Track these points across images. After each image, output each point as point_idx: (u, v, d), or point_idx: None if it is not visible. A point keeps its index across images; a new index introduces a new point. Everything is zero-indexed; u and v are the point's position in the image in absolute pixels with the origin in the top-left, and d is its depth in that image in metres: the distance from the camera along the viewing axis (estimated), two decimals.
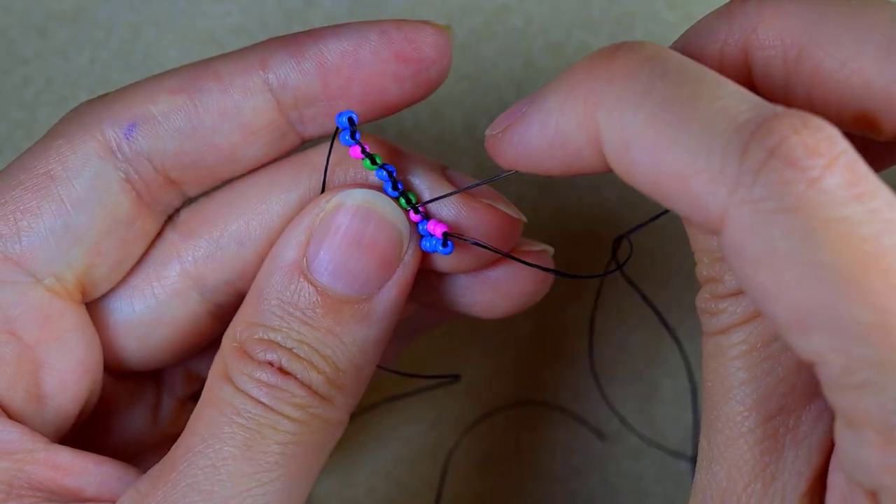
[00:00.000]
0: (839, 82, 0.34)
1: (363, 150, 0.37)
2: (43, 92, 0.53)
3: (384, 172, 0.37)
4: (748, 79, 0.35)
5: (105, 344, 0.40)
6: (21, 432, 0.37)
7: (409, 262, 0.37)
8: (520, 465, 0.54)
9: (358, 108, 0.38)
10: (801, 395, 0.33)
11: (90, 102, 0.38)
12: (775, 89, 0.35)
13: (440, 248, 0.37)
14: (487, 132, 0.35)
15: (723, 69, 0.35)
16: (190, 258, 0.39)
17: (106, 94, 0.38)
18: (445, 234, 0.37)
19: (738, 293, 0.33)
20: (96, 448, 0.40)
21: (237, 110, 0.37)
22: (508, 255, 0.38)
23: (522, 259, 0.39)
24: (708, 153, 0.28)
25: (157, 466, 0.35)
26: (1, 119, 0.53)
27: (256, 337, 0.35)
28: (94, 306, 0.40)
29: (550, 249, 0.41)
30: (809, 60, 0.34)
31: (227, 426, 0.35)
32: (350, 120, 0.36)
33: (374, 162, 0.37)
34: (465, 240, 0.37)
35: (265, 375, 0.35)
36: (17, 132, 0.53)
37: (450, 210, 0.37)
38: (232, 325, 0.37)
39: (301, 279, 0.35)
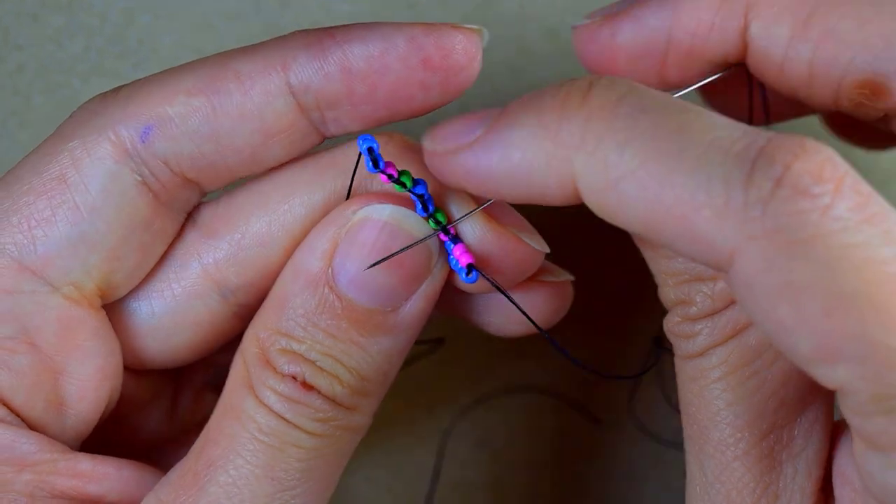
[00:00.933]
0: (853, 44, 0.33)
1: (390, 177, 0.36)
2: (37, 79, 0.53)
3: (415, 196, 0.36)
4: (742, 40, 0.35)
5: (125, 345, 0.39)
6: (41, 442, 0.36)
7: (438, 276, 0.36)
8: (515, 450, 0.54)
9: (382, 112, 0.37)
10: (791, 408, 0.33)
11: (103, 98, 0.37)
12: (772, 53, 0.35)
13: (464, 276, 0.36)
14: (427, 145, 0.34)
15: (713, 29, 0.35)
16: (211, 259, 0.38)
17: (119, 89, 0.37)
18: (470, 266, 0.36)
19: (714, 313, 0.33)
20: (115, 444, 0.40)
21: (258, 113, 0.36)
22: (525, 314, 0.38)
23: (532, 302, 0.39)
24: (708, 187, 0.28)
25: (179, 472, 0.35)
26: None
27: (279, 347, 0.35)
28: (114, 308, 0.39)
29: (571, 278, 0.40)
30: (822, 20, 0.33)
31: (249, 443, 0.34)
32: (370, 150, 0.35)
33: (404, 186, 0.36)
34: (486, 279, 0.36)
35: (287, 389, 0.35)
36: (12, 119, 0.53)
37: (474, 231, 0.36)
38: (253, 325, 0.36)
39: (326, 290, 0.35)
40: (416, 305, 0.36)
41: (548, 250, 0.38)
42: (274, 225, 0.38)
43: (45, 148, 0.37)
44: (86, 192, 0.36)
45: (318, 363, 0.35)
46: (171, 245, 0.39)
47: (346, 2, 0.54)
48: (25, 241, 0.36)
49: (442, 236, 0.36)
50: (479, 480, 0.54)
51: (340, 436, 0.35)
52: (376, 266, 0.35)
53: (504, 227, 0.37)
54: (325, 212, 0.37)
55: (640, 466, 0.54)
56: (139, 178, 0.37)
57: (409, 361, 0.51)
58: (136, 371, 0.41)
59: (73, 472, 0.36)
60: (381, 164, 0.36)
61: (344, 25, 0.37)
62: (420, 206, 0.36)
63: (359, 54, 0.36)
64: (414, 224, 0.36)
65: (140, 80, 0.38)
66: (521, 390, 0.54)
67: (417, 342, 0.46)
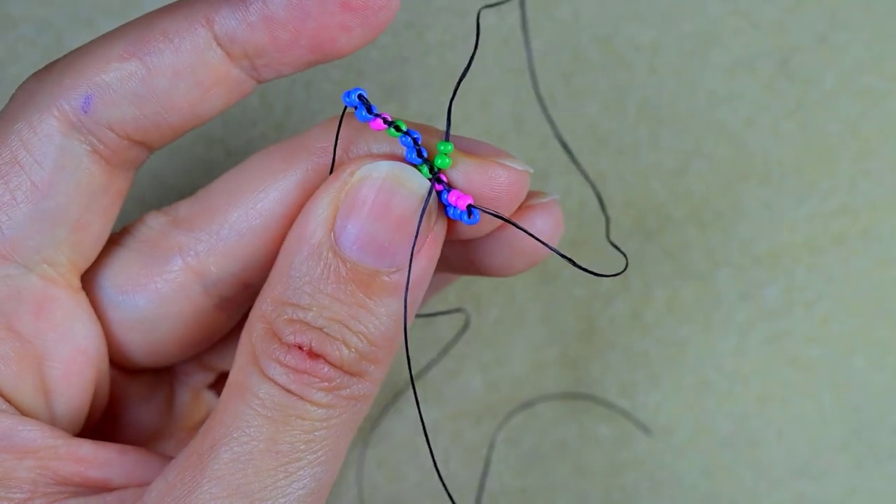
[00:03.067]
0: None
1: (385, 121, 0.36)
2: None
3: (409, 139, 0.36)
4: None
5: (111, 341, 0.40)
6: (41, 429, 0.36)
7: (439, 231, 0.36)
8: (562, 459, 0.54)
9: (309, 56, 0.37)
10: None
11: (38, 76, 0.38)
12: None
13: (465, 218, 0.36)
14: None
15: None
16: (192, 252, 0.39)
17: (53, 64, 0.38)
18: (470, 206, 0.36)
19: None
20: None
21: (190, 69, 0.37)
22: (526, 231, 0.37)
23: (530, 228, 0.39)
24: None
25: (185, 453, 0.35)
26: None
27: (286, 317, 0.35)
28: (98, 303, 0.39)
29: (557, 196, 0.41)
30: None
31: (252, 418, 0.34)
32: (361, 97, 0.36)
33: (398, 129, 0.36)
34: (487, 212, 0.36)
35: (293, 360, 0.34)
36: None
37: (460, 169, 0.37)
38: (259, 301, 0.36)
39: (330, 254, 0.35)
40: (420, 264, 0.35)
41: (531, 170, 0.38)
42: (250, 213, 0.38)
43: None
44: (40, 170, 0.36)
45: (325, 329, 0.34)
46: (154, 242, 0.39)
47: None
48: None
49: (438, 186, 0.36)
50: (526, 489, 0.54)
51: (347, 405, 0.35)
52: (378, 225, 0.35)
53: (485, 158, 0.37)
54: (302, 195, 0.37)
55: (691, 476, 0.54)
56: (89, 148, 0.37)
57: (446, 347, 0.51)
58: (128, 371, 0.41)
59: (76, 457, 0.36)
60: (375, 108, 0.36)
61: None
62: (414, 151, 0.36)
63: (278, 2, 0.36)
64: (412, 176, 0.35)
65: (71, 52, 0.38)
66: (568, 398, 0.54)
67: (438, 313, 0.47)
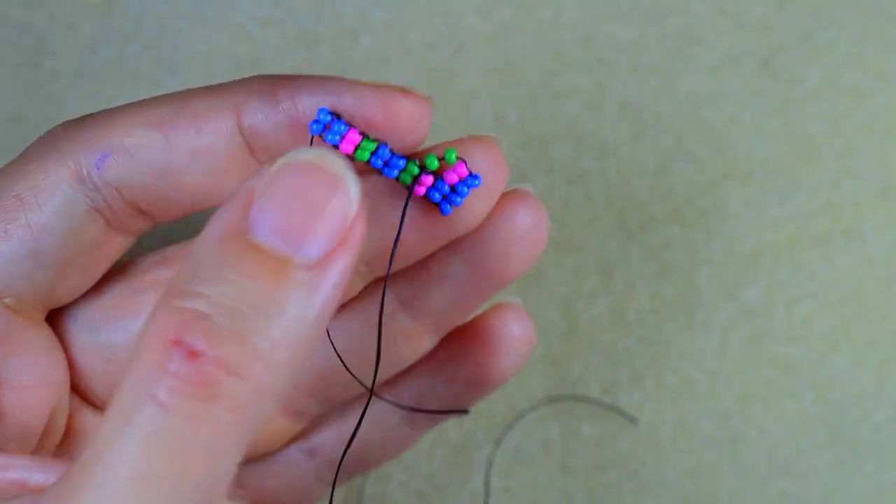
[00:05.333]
0: None
1: (360, 133, 0.36)
2: (72, 85, 0.54)
3: (386, 150, 0.36)
4: None
5: (73, 371, 0.40)
6: None
7: (359, 232, 0.32)
8: (546, 459, 0.54)
9: None
10: None
11: (67, 125, 0.38)
12: None
13: (457, 195, 0.37)
14: None
15: None
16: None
17: (85, 118, 0.38)
18: (455, 184, 0.37)
19: None
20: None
21: (209, 152, 0.37)
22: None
23: (510, 222, 0.40)
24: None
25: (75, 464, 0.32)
26: (29, 112, 0.54)
27: (177, 304, 0.30)
28: (62, 331, 0.40)
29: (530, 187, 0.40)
30: None
31: (116, 439, 0.30)
32: (332, 113, 0.35)
33: (370, 140, 0.36)
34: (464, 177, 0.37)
35: (173, 363, 0.30)
36: (46, 126, 0.53)
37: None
38: (165, 289, 0.32)
39: (237, 240, 0.31)
40: (334, 261, 0.32)
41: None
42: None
43: (10, 168, 0.38)
44: (39, 213, 0.37)
45: (214, 319, 0.30)
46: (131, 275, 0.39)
47: (380, 9, 0.54)
48: None
49: (419, 189, 0.36)
50: (509, 487, 0.54)
51: (230, 417, 0.30)
52: (291, 207, 0.31)
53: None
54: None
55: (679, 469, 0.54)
56: (92, 205, 0.37)
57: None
58: (94, 405, 0.41)
59: (11, 465, 0.36)
60: (343, 123, 0.35)
61: (298, 75, 0.37)
62: (391, 165, 0.36)
63: (308, 104, 0.36)
64: (334, 161, 0.32)
65: (105, 110, 0.38)
66: (555, 400, 0.54)
67: (440, 412, 0.45)
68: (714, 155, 0.54)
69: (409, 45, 0.54)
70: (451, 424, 0.54)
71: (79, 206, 0.37)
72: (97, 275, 0.39)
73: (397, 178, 0.37)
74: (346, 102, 0.36)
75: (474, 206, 0.38)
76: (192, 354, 0.30)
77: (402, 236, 0.37)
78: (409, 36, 0.54)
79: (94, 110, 0.53)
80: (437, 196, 0.37)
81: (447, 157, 0.36)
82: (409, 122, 0.36)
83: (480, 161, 0.38)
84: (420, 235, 0.39)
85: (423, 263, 0.42)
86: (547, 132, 0.54)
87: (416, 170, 0.36)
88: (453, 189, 0.37)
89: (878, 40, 0.55)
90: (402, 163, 0.36)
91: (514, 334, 0.42)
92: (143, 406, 0.30)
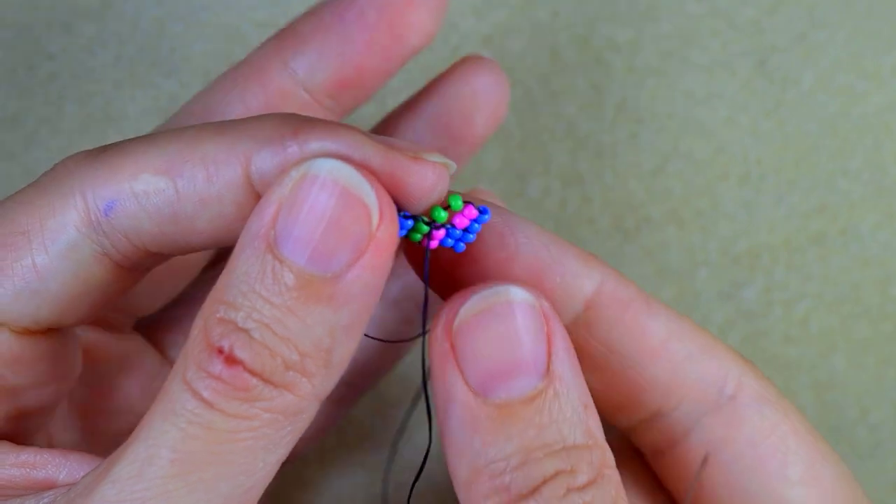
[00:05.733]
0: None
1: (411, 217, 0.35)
2: (69, 88, 0.53)
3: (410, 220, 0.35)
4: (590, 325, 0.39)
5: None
6: None
7: (384, 240, 0.34)
8: None
9: None
10: None
11: (76, 160, 0.37)
12: (610, 342, 0.39)
13: (462, 241, 0.36)
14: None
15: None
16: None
17: (96, 153, 0.37)
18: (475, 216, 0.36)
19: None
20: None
21: (218, 201, 0.36)
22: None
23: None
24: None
25: (111, 456, 0.34)
26: (27, 115, 0.54)
27: (218, 316, 0.33)
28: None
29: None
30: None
31: (160, 423, 0.33)
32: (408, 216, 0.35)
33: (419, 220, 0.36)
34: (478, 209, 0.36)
35: (213, 365, 0.33)
36: (44, 128, 0.53)
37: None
38: (207, 298, 0.34)
39: (268, 254, 0.33)
40: (360, 274, 0.33)
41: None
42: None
43: (20, 197, 0.37)
44: (45, 255, 0.36)
45: (251, 332, 0.33)
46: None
47: None
48: None
49: (437, 234, 0.36)
50: None
51: (267, 418, 0.33)
52: (313, 225, 0.33)
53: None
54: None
55: None
56: (100, 250, 0.37)
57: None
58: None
59: (17, 462, 0.36)
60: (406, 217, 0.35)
61: (311, 122, 0.36)
62: (402, 225, 0.35)
63: (312, 151, 0.35)
64: (352, 177, 0.33)
65: (114, 145, 0.37)
66: None
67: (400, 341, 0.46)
68: (710, 156, 0.54)
69: None
70: None
71: (85, 250, 0.37)
72: (107, 307, 0.39)
73: (406, 237, 0.36)
74: (355, 158, 0.35)
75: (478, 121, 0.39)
76: (232, 361, 0.32)
77: None
78: None
79: (92, 113, 0.53)
80: (449, 242, 0.36)
81: (453, 204, 0.35)
82: (420, 193, 0.35)
83: (484, 83, 0.38)
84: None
85: (388, 126, 0.44)
86: (544, 133, 0.54)
87: (425, 228, 0.35)
88: (465, 230, 0.36)
89: (871, 41, 0.55)
90: (409, 223, 0.35)
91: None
92: (187, 399, 0.32)
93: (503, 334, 0.34)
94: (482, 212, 0.36)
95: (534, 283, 0.36)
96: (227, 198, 0.36)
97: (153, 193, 0.36)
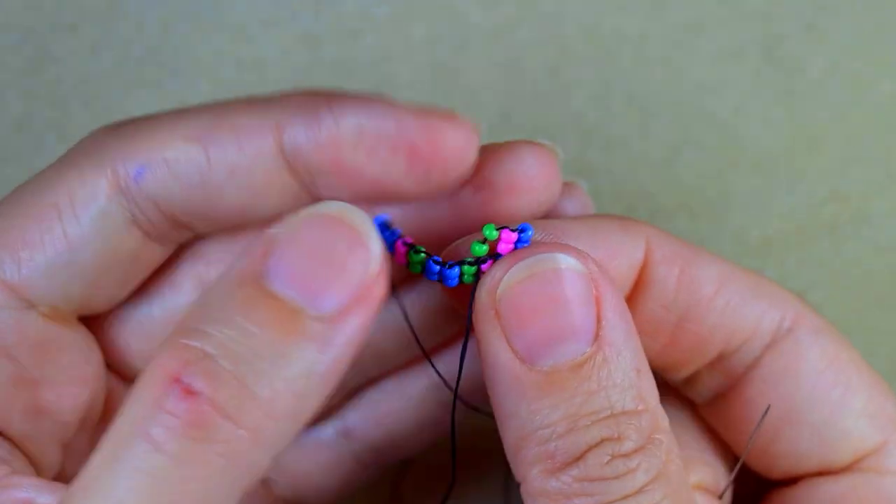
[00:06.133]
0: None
1: (407, 245, 0.35)
2: (75, 90, 0.53)
3: (433, 265, 0.35)
4: (644, 287, 0.39)
5: (109, 350, 0.40)
6: None
7: (378, 289, 0.32)
8: None
9: (370, 190, 0.36)
10: None
11: (106, 132, 0.37)
12: (666, 300, 0.39)
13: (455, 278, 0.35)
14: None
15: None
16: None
17: (124, 125, 0.38)
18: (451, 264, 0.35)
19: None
20: None
21: (248, 170, 0.36)
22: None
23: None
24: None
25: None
26: (34, 119, 0.53)
27: (182, 341, 0.30)
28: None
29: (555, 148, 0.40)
30: (692, 281, 0.39)
31: (111, 478, 0.30)
32: (385, 224, 0.35)
33: (418, 252, 0.35)
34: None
35: (169, 401, 0.30)
36: (50, 131, 0.53)
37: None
38: (174, 328, 0.32)
39: (252, 285, 0.31)
40: (350, 319, 0.31)
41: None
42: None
43: (48, 173, 0.37)
44: (76, 224, 0.36)
45: (216, 360, 0.30)
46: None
47: (382, 7, 0.54)
48: (11, 261, 0.36)
49: (484, 267, 0.35)
50: None
51: (222, 464, 0.30)
52: (310, 259, 0.31)
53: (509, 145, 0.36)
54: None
55: None
56: (130, 217, 0.37)
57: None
58: (127, 378, 0.41)
59: (22, 485, 0.36)
60: (398, 232, 0.35)
61: (341, 94, 0.36)
62: (449, 276, 0.35)
63: (350, 125, 0.35)
64: (357, 219, 0.32)
65: (144, 117, 0.38)
66: None
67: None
68: (720, 145, 0.54)
69: (412, 43, 0.54)
70: None
71: (116, 217, 0.37)
72: (134, 285, 0.39)
73: (461, 282, 0.35)
74: (387, 126, 0.35)
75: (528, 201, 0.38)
76: (190, 393, 0.30)
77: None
78: (411, 33, 0.54)
79: (98, 115, 0.53)
80: None
81: (488, 235, 0.35)
82: (454, 154, 0.35)
83: (532, 167, 0.38)
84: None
85: None
86: (553, 126, 0.53)
87: (472, 269, 0.35)
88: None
89: (880, 27, 0.55)
90: (455, 271, 0.35)
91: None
92: (136, 443, 0.29)
93: (549, 300, 0.33)
94: (522, 230, 0.35)
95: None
96: (257, 168, 0.36)
97: (184, 161, 0.36)
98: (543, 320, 0.33)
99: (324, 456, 0.43)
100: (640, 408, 0.33)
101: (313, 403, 0.31)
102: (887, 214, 0.54)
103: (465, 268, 0.35)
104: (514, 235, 0.35)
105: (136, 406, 0.30)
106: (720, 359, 0.39)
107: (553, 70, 0.54)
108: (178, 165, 0.36)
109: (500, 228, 0.35)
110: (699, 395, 0.41)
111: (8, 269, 0.36)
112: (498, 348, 0.33)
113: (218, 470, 0.30)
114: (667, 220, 0.54)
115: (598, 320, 0.33)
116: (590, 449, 0.33)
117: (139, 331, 0.40)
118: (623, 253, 0.38)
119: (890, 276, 0.54)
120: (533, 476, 0.33)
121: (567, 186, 0.40)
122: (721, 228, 0.54)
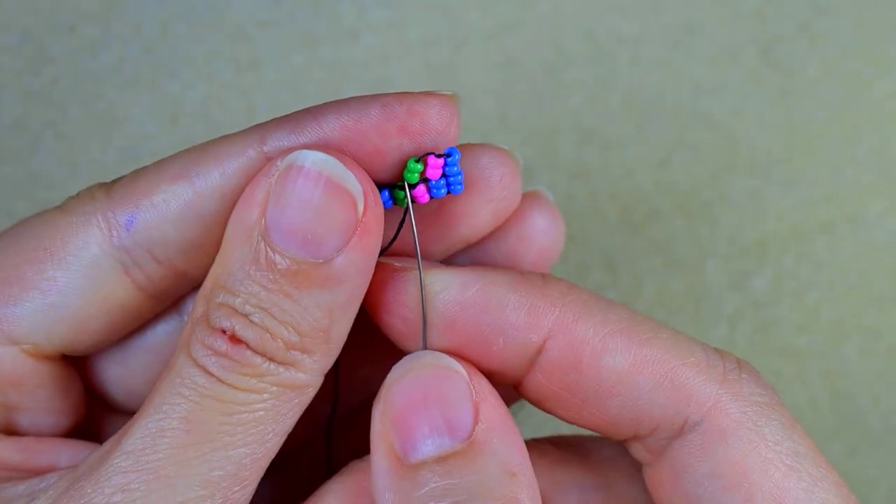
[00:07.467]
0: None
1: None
2: (72, 91, 0.53)
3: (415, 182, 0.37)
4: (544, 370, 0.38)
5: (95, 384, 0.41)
6: None
7: (370, 224, 0.35)
8: None
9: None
10: None
11: (100, 186, 0.38)
12: (566, 385, 0.38)
13: (452, 187, 0.37)
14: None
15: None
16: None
17: (118, 179, 0.38)
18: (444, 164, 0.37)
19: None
20: None
21: (237, 189, 0.36)
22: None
23: (531, 229, 0.41)
24: (691, 348, 0.36)
25: (116, 435, 0.35)
26: (32, 119, 0.53)
27: (218, 301, 0.34)
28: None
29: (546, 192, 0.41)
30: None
31: (171, 396, 0.34)
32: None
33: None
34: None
35: (217, 343, 0.34)
36: (48, 131, 0.53)
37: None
38: (205, 280, 0.36)
39: (260, 241, 0.34)
40: (350, 257, 0.34)
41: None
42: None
43: (44, 216, 0.38)
44: (66, 270, 0.37)
45: (251, 316, 0.34)
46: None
47: (379, 8, 0.54)
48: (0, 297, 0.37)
49: (420, 197, 0.37)
50: None
51: (275, 392, 0.35)
52: (302, 214, 0.34)
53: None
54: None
55: None
56: (121, 268, 0.37)
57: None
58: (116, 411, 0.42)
59: (17, 447, 0.37)
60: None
61: (319, 104, 0.37)
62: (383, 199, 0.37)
63: (334, 125, 0.36)
64: (336, 167, 0.35)
65: (133, 171, 0.38)
66: None
67: None
68: (716, 146, 0.54)
69: (410, 44, 0.54)
70: None
71: (106, 268, 0.37)
72: (122, 334, 0.39)
73: (395, 204, 0.37)
74: (372, 115, 0.36)
75: (482, 214, 0.39)
76: (236, 340, 0.34)
77: (421, 248, 0.39)
78: (409, 34, 0.54)
79: (96, 115, 0.53)
80: (443, 192, 0.37)
81: (412, 166, 0.36)
82: (438, 122, 0.36)
83: (491, 168, 0.39)
84: (438, 247, 0.40)
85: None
86: (550, 127, 0.53)
87: (402, 193, 0.37)
88: (444, 176, 0.37)
89: (876, 28, 0.55)
90: (385, 193, 0.36)
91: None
92: (196, 375, 0.34)
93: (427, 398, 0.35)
94: (448, 154, 0.37)
95: (477, 348, 0.37)
96: (245, 184, 0.36)
97: (172, 200, 0.36)
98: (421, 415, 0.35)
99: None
100: None
101: (342, 328, 0.36)
102: (883, 215, 0.54)
103: (397, 193, 0.37)
104: (441, 161, 0.36)
105: (189, 348, 0.34)
106: (635, 439, 0.39)
107: (550, 71, 0.54)
108: (166, 206, 0.36)
109: (426, 155, 0.36)
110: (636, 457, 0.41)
111: None
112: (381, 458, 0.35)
113: (274, 395, 0.35)
114: (663, 223, 0.54)
115: (475, 419, 0.35)
116: None
117: (117, 359, 0.40)
118: (521, 338, 0.37)
119: (886, 277, 0.54)
120: None
121: (533, 196, 0.41)
122: (717, 230, 0.54)
